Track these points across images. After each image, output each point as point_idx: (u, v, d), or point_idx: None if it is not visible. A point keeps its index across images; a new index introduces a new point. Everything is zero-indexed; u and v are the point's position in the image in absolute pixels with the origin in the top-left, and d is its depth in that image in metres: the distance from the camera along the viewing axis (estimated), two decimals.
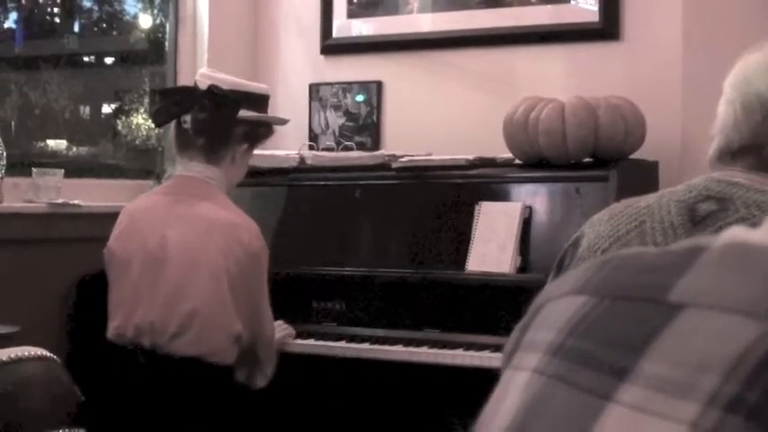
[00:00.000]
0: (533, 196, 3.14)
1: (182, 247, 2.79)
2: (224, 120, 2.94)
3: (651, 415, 0.52)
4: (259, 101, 3.05)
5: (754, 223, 1.35)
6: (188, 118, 2.95)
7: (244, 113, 2.98)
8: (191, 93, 3.00)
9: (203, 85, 2.95)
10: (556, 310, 0.64)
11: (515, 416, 0.60)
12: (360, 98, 3.91)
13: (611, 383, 0.55)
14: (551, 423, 0.58)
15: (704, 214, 1.44)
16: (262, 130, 3.06)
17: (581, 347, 0.59)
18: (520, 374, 0.63)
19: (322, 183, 3.47)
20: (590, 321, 0.60)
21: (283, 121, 3.27)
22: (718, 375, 0.50)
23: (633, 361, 0.54)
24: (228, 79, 3.01)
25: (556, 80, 3.53)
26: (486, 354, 2.91)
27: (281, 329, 3.10)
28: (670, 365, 0.53)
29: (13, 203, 3.29)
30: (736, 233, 0.58)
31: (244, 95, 2.99)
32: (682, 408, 0.51)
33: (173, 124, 3.03)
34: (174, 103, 2.98)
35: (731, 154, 1.47)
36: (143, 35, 4.25)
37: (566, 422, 0.57)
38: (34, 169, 3.42)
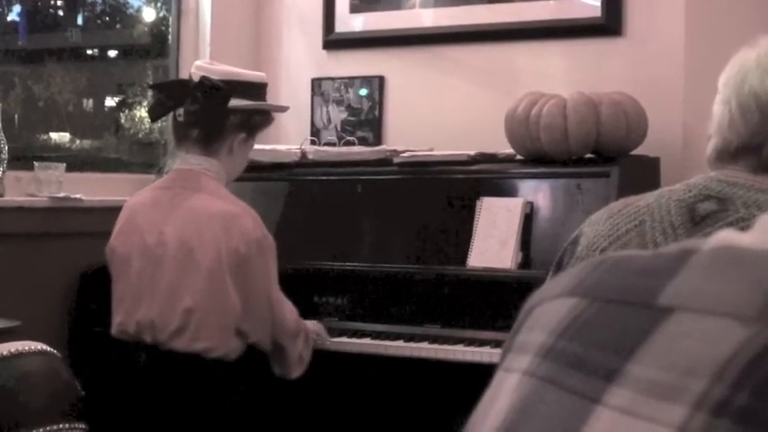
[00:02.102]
0: (535, 192, 3.14)
1: (179, 243, 2.79)
2: (215, 109, 2.93)
3: (639, 418, 0.52)
4: (254, 89, 3.02)
5: (753, 223, 1.35)
6: (182, 111, 2.94)
7: (237, 102, 2.96)
8: (184, 85, 3.00)
9: (197, 78, 2.95)
10: (547, 311, 0.64)
11: (505, 418, 0.61)
12: (362, 93, 3.91)
13: (599, 386, 0.55)
14: (541, 425, 0.58)
15: (704, 214, 1.44)
16: (258, 119, 3.03)
17: (571, 350, 0.59)
18: (511, 376, 0.63)
19: (324, 178, 3.47)
20: (580, 324, 0.60)
21: (280, 108, 3.25)
22: (706, 378, 0.50)
23: (622, 364, 0.54)
24: (222, 69, 3.00)
25: (558, 76, 3.53)
26: (486, 349, 2.91)
27: (315, 323, 3.11)
28: (658, 369, 0.53)
29: (15, 197, 3.30)
30: (725, 236, 0.58)
31: (236, 84, 2.97)
32: (670, 411, 0.51)
33: (170, 118, 3.04)
34: (168, 96, 2.97)
35: (730, 154, 1.47)
36: (146, 28, 4.26)
37: (555, 425, 0.57)
38: (36, 163, 3.43)
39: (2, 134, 3.26)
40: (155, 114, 3.12)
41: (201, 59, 3.52)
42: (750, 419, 0.48)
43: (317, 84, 4.01)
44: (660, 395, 0.52)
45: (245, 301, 2.78)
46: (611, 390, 0.54)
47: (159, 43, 4.20)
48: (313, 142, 3.84)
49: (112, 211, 3.03)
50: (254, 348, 2.86)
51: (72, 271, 3.32)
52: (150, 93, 4.12)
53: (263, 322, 2.82)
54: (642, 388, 0.53)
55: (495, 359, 2.79)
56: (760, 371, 0.49)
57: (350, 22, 3.97)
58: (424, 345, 3.02)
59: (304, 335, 2.94)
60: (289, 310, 2.89)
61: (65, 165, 3.47)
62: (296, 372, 2.93)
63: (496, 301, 3.00)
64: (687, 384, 0.51)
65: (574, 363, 0.58)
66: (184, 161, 2.95)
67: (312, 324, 3.09)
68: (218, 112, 2.93)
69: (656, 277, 0.58)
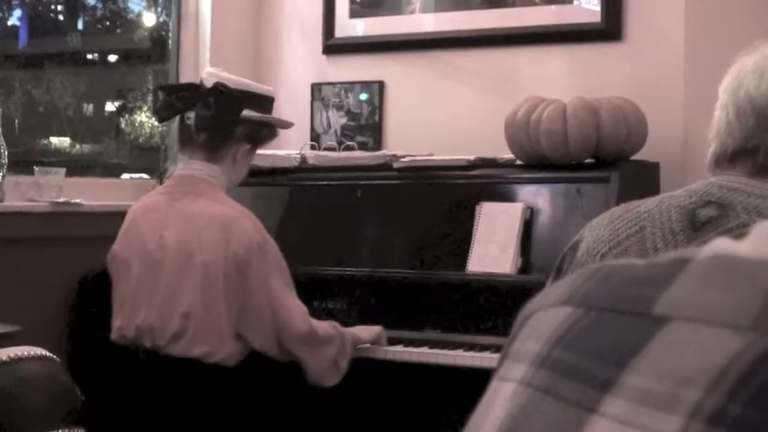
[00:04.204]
0: (535, 197, 3.14)
1: (178, 248, 2.79)
2: (227, 118, 2.94)
3: (635, 428, 0.52)
4: (263, 102, 3.04)
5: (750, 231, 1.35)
6: (191, 114, 2.95)
7: (248, 113, 2.97)
8: (196, 89, 3.00)
9: (209, 83, 2.95)
10: (543, 320, 0.64)
11: (501, 427, 0.61)
12: (362, 98, 3.91)
13: (595, 396, 0.55)
14: None
15: (704, 220, 1.44)
16: (264, 132, 3.06)
17: (566, 359, 0.59)
18: (506, 385, 0.63)
19: (324, 183, 3.47)
20: (576, 333, 0.60)
21: (287, 125, 3.26)
22: (701, 388, 0.50)
23: (617, 373, 0.54)
24: (234, 78, 3.01)
25: (558, 81, 3.53)
26: (486, 354, 2.91)
27: (368, 330, 3.06)
28: (654, 378, 0.53)
29: (15, 202, 3.30)
30: (721, 245, 0.58)
31: (249, 95, 2.99)
32: (665, 421, 0.51)
33: (176, 121, 3.04)
34: (179, 99, 2.97)
35: (728, 159, 1.48)
36: (146, 33, 4.26)
37: None
38: (36, 168, 3.43)
39: (2, 139, 3.26)
40: (163, 115, 3.11)
41: (206, 65, 3.53)
42: (744, 429, 0.48)
43: (316, 89, 4.01)
44: (656, 405, 0.52)
45: (245, 306, 2.77)
46: (606, 399, 0.54)
47: (159, 48, 4.21)
48: (313, 147, 3.84)
49: (112, 215, 3.04)
50: (254, 354, 2.85)
51: (72, 276, 3.32)
52: (150, 97, 4.14)
53: (265, 328, 2.80)
54: (638, 398, 0.53)
55: (494, 364, 2.78)
56: (755, 381, 0.49)
57: (350, 26, 3.97)
58: (424, 349, 3.02)
59: (339, 340, 2.90)
60: (299, 314, 2.84)
61: (65, 169, 3.47)
62: (329, 380, 2.89)
63: (496, 306, 3.00)
64: (682, 394, 0.51)
65: (569, 372, 0.58)
66: (187, 166, 2.96)
67: (366, 329, 3.06)
68: (229, 120, 2.94)
69: (651, 286, 0.58)
